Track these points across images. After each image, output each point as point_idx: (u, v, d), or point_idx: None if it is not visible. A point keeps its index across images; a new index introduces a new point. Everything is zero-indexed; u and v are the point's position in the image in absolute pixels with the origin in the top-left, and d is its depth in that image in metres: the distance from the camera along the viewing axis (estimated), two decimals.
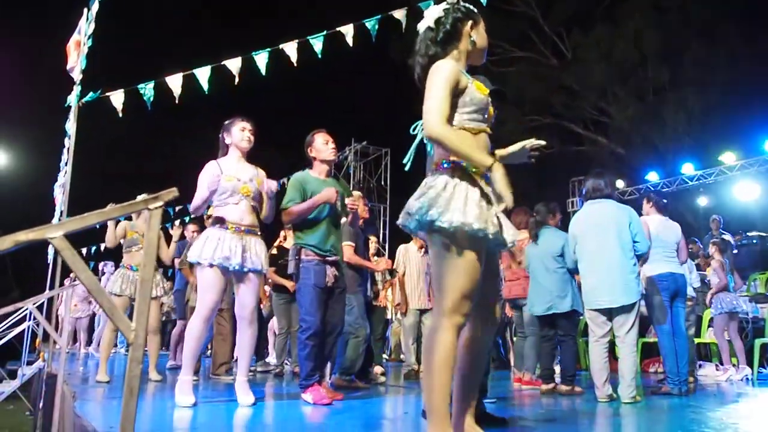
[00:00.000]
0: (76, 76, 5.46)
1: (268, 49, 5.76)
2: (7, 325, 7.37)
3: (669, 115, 16.93)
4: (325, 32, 5.76)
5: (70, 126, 5.48)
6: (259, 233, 3.71)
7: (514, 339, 7.32)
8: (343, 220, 4.18)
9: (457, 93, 2.09)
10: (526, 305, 5.24)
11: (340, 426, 2.98)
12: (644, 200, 5.15)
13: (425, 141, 2.39)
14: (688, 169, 13.21)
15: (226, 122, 3.77)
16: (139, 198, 1.51)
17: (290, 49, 5.77)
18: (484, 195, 2.04)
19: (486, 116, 2.18)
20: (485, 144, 2.17)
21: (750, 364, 6.12)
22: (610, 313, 4.18)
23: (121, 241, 5.33)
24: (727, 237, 8.73)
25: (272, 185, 3.73)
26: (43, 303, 6.19)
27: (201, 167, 3.68)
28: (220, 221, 3.57)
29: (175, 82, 5.67)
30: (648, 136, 17.46)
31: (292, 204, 3.77)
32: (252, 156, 3.82)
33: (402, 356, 8.50)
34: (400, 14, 5.79)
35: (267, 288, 6.70)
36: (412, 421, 3.05)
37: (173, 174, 3.59)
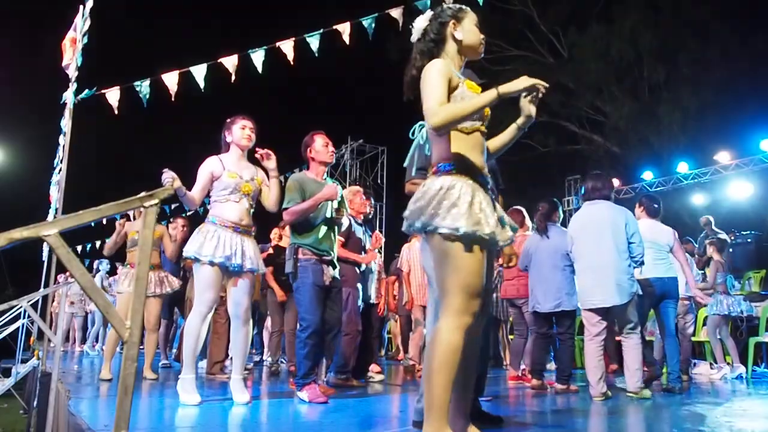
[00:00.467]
0: (72, 73, 5.44)
1: (265, 47, 5.75)
2: (1, 323, 7.34)
3: (664, 114, 16.97)
4: (321, 30, 5.75)
5: (66, 123, 5.46)
6: (253, 234, 3.72)
7: (510, 337, 7.34)
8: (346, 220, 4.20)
9: (450, 89, 2.10)
10: (524, 304, 5.23)
11: (335, 424, 2.98)
12: (636, 205, 5.20)
13: (422, 141, 2.40)
14: (683, 168, 13.24)
15: (228, 120, 3.78)
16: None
17: (287, 47, 5.76)
18: (481, 196, 2.04)
19: (480, 115, 2.17)
20: (480, 142, 2.17)
21: (744, 362, 6.14)
22: (605, 313, 4.23)
23: (127, 240, 5.33)
24: (723, 236, 8.76)
25: (271, 164, 3.71)
26: (37, 301, 6.16)
27: (197, 165, 3.67)
28: (219, 218, 3.56)
29: (171, 80, 5.65)
30: (643, 134, 17.50)
31: (293, 204, 3.80)
32: (250, 153, 3.82)
33: (400, 355, 8.52)
34: (396, 13, 5.79)
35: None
36: (407, 420, 3.05)
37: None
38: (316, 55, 5.79)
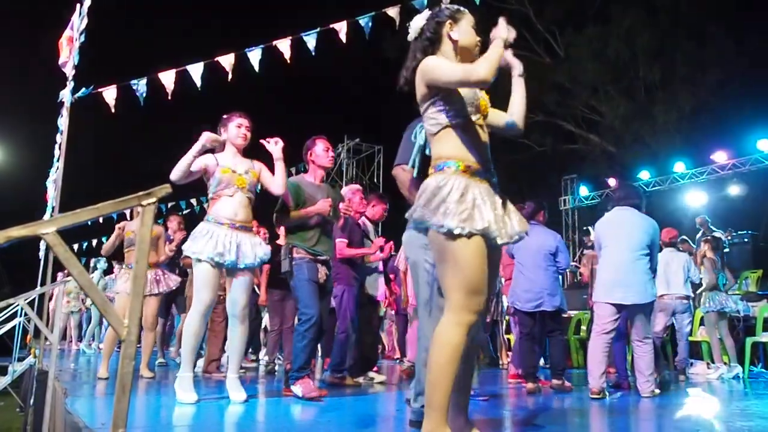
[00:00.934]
0: (69, 71, 5.43)
1: (262, 46, 5.76)
2: None
3: (660, 114, 17.01)
4: (318, 29, 5.75)
5: (63, 121, 5.45)
6: (252, 229, 3.72)
7: (508, 337, 7.35)
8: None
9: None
10: None
11: (331, 423, 2.99)
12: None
13: (422, 142, 2.41)
14: (679, 167, 13.28)
15: (224, 117, 3.78)
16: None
17: (284, 45, 5.77)
18: (476, 191, 2.04)
19: (477, 108, 2.18)
20: (479, 136, 2.17)
21: (741, 362, 6.17)
22: (622, 311, 4.31)
23: (124, 240, 5.32)
24: (719, 234, 8.78)
25: (277, 150, 3.70)
26: (34, 299, 6.16)
27: None
28: (213, 215, 3.57)
29: (167, 78, 5.65)
30: (639, 134, 17.54)
31: (284, 210, 3.86)
32: (244, 151, 3.82)
33: (396, 354, 8.51)
34: (393, 12, 5.80)
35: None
36: (404, 419, 3.06)
37: (166, 170, 3.57)
38: (313, 53, 5.80)
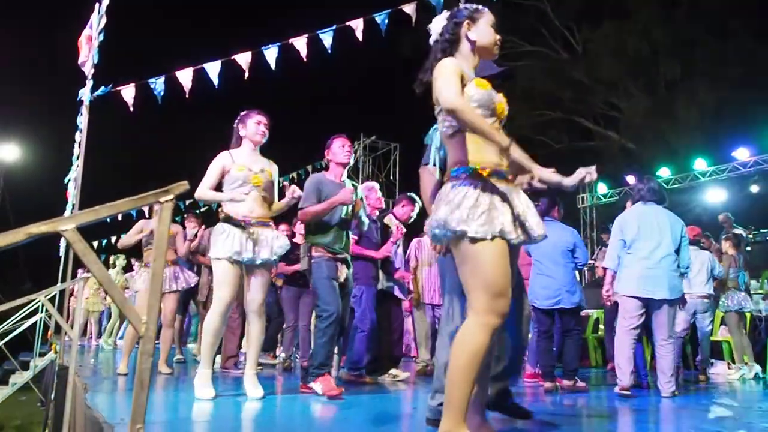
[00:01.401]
0: (88, 70, 5.50)
1: (278, 44, 5.77)
2: (20, 317, 7.46)
3: (680, 110, 16.77)
4: (334, 26, 5.75)
5: (82, 120, 5.52)
6: (270, 224, 3.72)
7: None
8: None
9: (462, 84, 2.10)
10: None
11: (347, 421, 2.99)
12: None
13: (438, 145, 2.39)
14: (700, 164, 13.07)
15: (243, 113, 3.79)
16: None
17: (300, 43, 5.78)
18: (489, 195, 2.02)
19: (492, 111, 2.16)
20: None
21: (762, 362, 6.07)
22: (647, 307, 4.26)
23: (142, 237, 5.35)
24: (740, 231, 8.64)
25: (296, 192, 3.71)
26: (54, 295, 6.25)
27: (211, 161, 3.70)
28: (230, 214, 3.59)
29: (185, 77, 5.69)
30: (659, 131, 17.31)
31: (308, 204, 3.84)
32: (261, 149, 3.83)
33: (413, 352, 8.49)
34: (410, 8, 5.77)
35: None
36: (420, 417, 3.05)
37: (184, 168, 3.60)
38: (329, 51, 5.80)
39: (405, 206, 5.38)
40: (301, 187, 3.88)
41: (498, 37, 2.27)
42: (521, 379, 5.03)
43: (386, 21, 5.80)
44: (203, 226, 5.87)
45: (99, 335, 11.36)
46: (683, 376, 5.82)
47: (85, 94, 5.46)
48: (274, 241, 3.62)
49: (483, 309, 1.96)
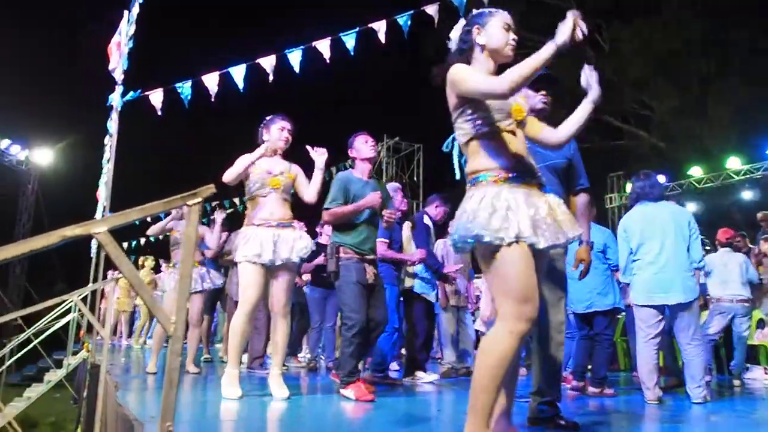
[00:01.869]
0: (118, 76, 5.62)
1: (302, 47, 5.82)
2: (54, 317, 7.65)
3: (713, 108, 16.38)
4: (357, 29, 5.78)
5: (112, 124, 5.64)
6: (292, 225, 3.73)
7: None
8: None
9: None
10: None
11: (372, 422, 3.00)
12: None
13: (456, 153, 2.40)
14: (734, 163, 12.76)
15: (267, 118, 3.82)
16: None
17: (323, 46, 5.82)
18: (517, 198, 2.01)
19: (507, 113, 2.14)
20: (512, 142, 2.13)
21: None
22: (665, 312, 4.08)
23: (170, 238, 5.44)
24: None
25: (321, 160, 3.72)
26: (86, 295, 6.39)
27: None
28: (251, 217, 3.64)
29: (211, 81, 5.77)
30: (691, 129, 16.93)
31: (335, 204, 3.80)
32: (286, 152, 3.86)
33: (438, 354, 8.46)
34: (432, 10, 5.77)
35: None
36: (446, 419, 3.05)
37: (209, 170, 3.66)
38: (352, 53, 5.82)
39: (438, 207, 5.38)
40: (328, 188, 3.90)
41: (512, 36, 2.22)
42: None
43: (409, 22, 5.81)
44: (227, 233, 5.94)
45: (129, 335, 11.59)
46: (716, 380, 5.69)
47: (115, 99, 5.58)
48: (296, 243, 3.63)
49: (509, 315, 1.94)
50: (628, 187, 15.03)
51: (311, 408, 3.44)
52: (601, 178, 15.70)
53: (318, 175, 3.75)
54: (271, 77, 5.81)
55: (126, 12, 5.72)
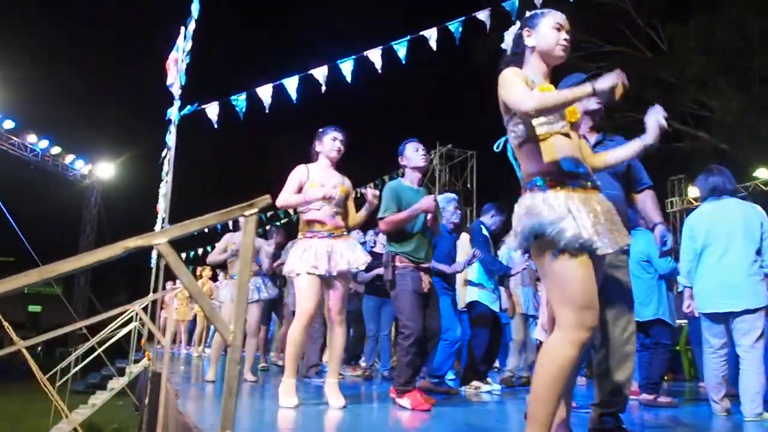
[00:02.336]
0: (176, 91, 5.80)
1: (353, 57, 5.87)
2: (116, 326, 7.94)
3: None
4: (408, 37, 5.78)
5: (171, 138, 5.82)
6: (346, 233, 3.75)
7: None
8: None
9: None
10: None
11: (430, 431, 2.96)
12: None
13: (510, 155, 2.35)
14: None
15: (320, 130, 3.86)
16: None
17: (374, 55, 5.85)
18: (575, 201, 1.95)
19: (562, 115, 2.07)
20: (565, 145, 2.06)
21: None
22: (727, 322, 3.78)
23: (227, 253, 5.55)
24: None
25: (371, 196, 3.75)
26: (147, 305, 6.60)
27: (290, 173, 3.79)
28: (304, 230, 3.67)
29: (265, 93, 5.89)
30: (755, 129, 16.15)
31: (389, 213, 3.77)
32: (339, 160, 3.88)
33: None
34: (483, 15, 5.72)
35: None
36: (505, 429, 2.97)
37: (263, 180, 3.72)
38: (403, 62, 5.83)
39: (494, 216, 5.30)
40: (380, 197, 3.89)
41: (563, 36, 2.16)
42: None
43: (460, 29, 5.77)
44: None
45: (188, 343, 11.90)
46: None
47: (173, 113, 5.76)
48: (350, 254, 3.64)
49: (569, 323, 1.87)
50: (690, 190, 14.54)
51: (367, 417, 3.42)
52: (661, 182, 15.17)
53: (364, 212, 3.80)
54: (323, 88, 5.88)
55: (182, 28, 5.91)
